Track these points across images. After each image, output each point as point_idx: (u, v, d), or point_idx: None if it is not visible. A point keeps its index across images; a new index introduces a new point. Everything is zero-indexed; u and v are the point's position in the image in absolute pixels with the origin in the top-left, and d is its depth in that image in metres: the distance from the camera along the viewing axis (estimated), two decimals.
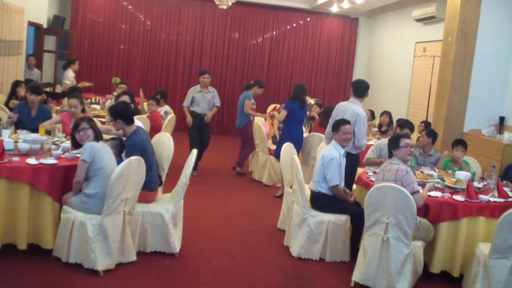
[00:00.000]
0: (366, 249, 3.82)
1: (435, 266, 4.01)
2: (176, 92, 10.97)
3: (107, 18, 10.66)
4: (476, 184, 4.51)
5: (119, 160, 3.90)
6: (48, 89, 9.23)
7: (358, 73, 11.54)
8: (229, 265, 4.13)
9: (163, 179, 4.55)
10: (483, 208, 4.01)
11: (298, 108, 6.25)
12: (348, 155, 4.67)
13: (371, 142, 6.49)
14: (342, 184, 4.47)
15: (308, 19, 11.44)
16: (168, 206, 4.13)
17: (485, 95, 6.54)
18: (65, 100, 6.97)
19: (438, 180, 4.57)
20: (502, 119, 6.49)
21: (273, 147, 6.90)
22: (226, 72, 11.25)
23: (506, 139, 5.90)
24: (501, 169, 5.50)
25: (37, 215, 3.76)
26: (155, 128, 6.24)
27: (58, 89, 9.44)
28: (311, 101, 8.28)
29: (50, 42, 9.91)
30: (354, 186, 4.93)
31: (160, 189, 4.49)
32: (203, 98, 7.13)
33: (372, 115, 8.63)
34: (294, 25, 11.45)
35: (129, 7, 10.75)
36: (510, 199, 4.21)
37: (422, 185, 4.25)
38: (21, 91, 6.22)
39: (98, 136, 3.88)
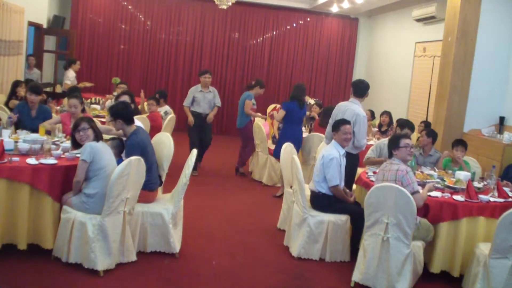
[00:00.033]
0: (366, 249, 3.82)
1: (435, 266, 4.01)
2: (176, 92, 10.97)
3: (107, 18, 10.66)
4: (476, 184, 4.51)
5: (119, 160, 3.90)
6: (48, 89, 9.23)
7: (358, 73, 11.54)
8: (229, 265, 4.13)
9: (163, 179, 4.55)
10: (483, 208, 4.01)
11: (296, 108, 6.25)
12: (348, 155, 4.67)
13: (371, 142, 6.49)
14: (342, 184, 4.47)
15: (308, 19, 11.44)
16: (168, 206, 4.13)
17: (485, 95, 6.54)
18: (65, 100, 6.97)
19: (438, 180, 4.57)
20: (502, 119, 6.49)
21: (273, 147, 6.90)
22: (226, 72, 11.25)
23: (506, 139, 5.90)
24: (501, 169, 5.50)
25: (37, 215, 3.76)
26: (155, 128, 6.24)
27: (58, 89, 9.44)
28: (311, 101, 8.28)
29: (50, 42, 9.91)
30: (354, 186, 4.93)
31: (160, 189, 4.49)
32: (204, 98, 7.14)
33: (372, 115, 8.63)
34: (294, 25, 11.45)
35: (129, 7, 10.75)
36: (510, 199, 4.21)
37: (422, 185, 4.25)
38: (21, 91, 6.22)
39: (98, 136, 3.88)
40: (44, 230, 3.78)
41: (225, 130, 11.30)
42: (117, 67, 10.79)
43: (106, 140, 4.26)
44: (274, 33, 11.38)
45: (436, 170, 5.05)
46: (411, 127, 5.76)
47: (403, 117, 8.48)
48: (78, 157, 3.78)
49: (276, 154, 6.38)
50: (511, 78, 6.56)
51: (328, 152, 4.40)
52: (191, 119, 7.06)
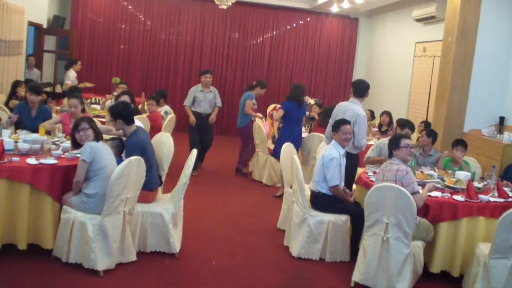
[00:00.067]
0: (366, 249, 3.82)
1: (435, 266, 4.01)
2: (176, 92, 10.97)
3: (107, 18, 10.66)
4: (476, 184, 4.51)
5: (119, 160, 3.90)
6: (48, 89, 9.23)
7: (358, 73, 11.54)
8: (229, 265, 4.13)
9: (163, 179, 4.55)
10: (483, 208, 4.01)
11: (295, 107, 6.25)
12: (348, 155, 4.67)
13: (371, 142, 6.50)
14: (342, 184, 4.47)
15: (308, 19, 11.44)
16: (168, 206, 4.13)
17: (485, 95, 6.54)
18: (65, 100, 6.97)
19: (438, 180, 4.57)
20: (502, 119, 6.49)
21: (273, 147, 6.90)
22: (226, 72, 11.25)
23: (506, 139, 5.90)
24: (501, 169, 5.50)
25: (37, 215, 3.76)
26: (155, 128, 6.24)
27: (58, 89, 9.44)
28: (311, 101, 8.28)
29: (50, 42, 9.91)
30: (354, 186, 4.93)
31: (160, 189, 4.49)
32: (205, 98, 7.13)
33: (372, 115, 8.63)
34: (294, 25, 11.45)
35: (129, 7, 10.75)
36: (510, 199, 4.21)
37: (422, 185, 4.25)
38: (21, 91, 6.22)
39: (98, 136, 3.88)
40: (44, 230, 3.78)
41: (225, 130, 11.30)
42: (117, 67, 10.79)
43: (106, 140, 4.26)
44: (274, 33, 11.38)
45: (436, 170, 5.05)
46: (412, 127, 5.76)
47: (403, 117, 8.48)
48: (78, 157, 3.78)
49: (275, 154, 6.39)
50: (511, 78, 6.56)
51: (328, 152, 4.40)
52: (193, 119, 7.04)
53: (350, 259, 4.31)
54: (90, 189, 3.70)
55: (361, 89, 4.98)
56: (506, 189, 4.45)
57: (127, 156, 3.81)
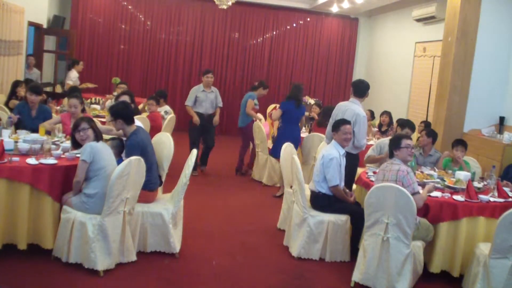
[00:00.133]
0: (366, 249, 3.82)
1: (435, 266, 4.01)
2: (176, 92, 10.97)
3: (107, 18, 10.66)
4: (476, 184, 4.51)
5: (119, 160, 3.90)
6: (48, 89, 9.23)
7: (358, 73, 11.54)
8: (229, 265, 4.13)
9: (163, 179, 4.55)
10: (483, 208, 4.01)
11: (294, 107, 6.26)
12: (348, 155, 4.67)
13: (371, 142, 6.50)
14: (342, 184, 4.47)
15: (308, 19, 11.44)
16: (168, 206, 4.13)
17: (485, 95, 6.54)
18: (65, 100, 6.97)
19: (438, 180, 4.57)
20: (502, 119, 6.49)
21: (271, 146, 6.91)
22: (226, 72, 11.25)
23: (506, 139, 5.90)
24: (501, 169, 5.50)
25: (37, 215, 3.76)
26: (155, 128, 6.24)
27: (58, 89, 9.44)
28: (311, 101, 8.29)
29: (50, 42, 9.91)
30: (354, 186, 4.93)
31: (160, 189, 4.49)
32: (206, 98, 7.11)
33: (372, 115, 8.63)
34: (294, 25, 11.45)
35: (129, 7, 10.75)
36: (510, 199, 4.21)
37: (422, 185, 4.25)
38: (21, 91, 6.22)
39: (98, 136, 3.88)
40: (44, 230, 3.78)
41: (225, 130, 11.29)
42: (117, 67, 10.79)
43: (106, 140, 4.26)
44: (274, 33, 11.38)
45: (436, 170, 5.05)
46: (412, 127, 5.76)
47: (403, 117, 8.49)
48: (78, 157, 3.78)
49: (274, 153, 6.38)
50: (511, 78, 6.56)
51: (328, 152, 4.40)
52: (196, 118, 6.99)
53: (350, 259, 4.31)
54: (90, 189, 3.70)
55: (361, 89, 4.97)
56: (506, 189, 4.45)
57: (127, 156, 3.81)
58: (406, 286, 3.63)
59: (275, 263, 4.25)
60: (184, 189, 4.11)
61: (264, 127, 7.13)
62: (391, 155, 4.14)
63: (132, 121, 4.11)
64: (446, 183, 4.43)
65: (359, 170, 5.05)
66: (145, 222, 4.04)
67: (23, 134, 4.50)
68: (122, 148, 4.23)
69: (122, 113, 4.06)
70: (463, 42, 6.40)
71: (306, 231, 4.27)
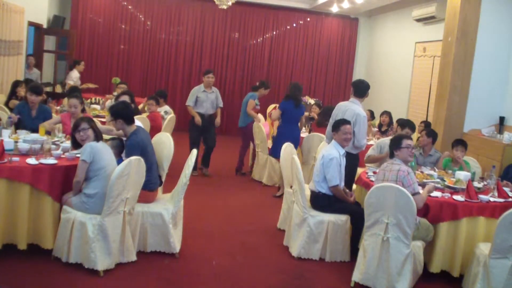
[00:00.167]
0: (366, 249, 3.82)
1: (435, 266, 4.01)
2: (176, 92, 10.97)
3: (107, 18, 10.66)
4: (476, 184, 4.51)
5: (119, 160, 3.90)
6: (48, 89, 9.23)
7: (358, 73, 11.54)
8: (229, 265, 4.13)
9: (163, 179, 4.55)
10: (483, 208, 4.01)
11: (292, 107, 6.25)
12: (348, 155, 4.67)
13: (371, 142, 6.50)
14: (342, 184, 4.47)
15: (308, 19, 11.44)
16: (168, 206, 4.13)
17: (485, 95, 6.54)
18: (65, 100, 6.97)
19: (438, 180, 4.57)
20: (502, 119, 6.49)
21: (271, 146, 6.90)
22: (226, 72, 11.25)
23: (506, 139, 5.90)
24: (501, 169, 5.50)
25: (37, 215, 3.76)
26: (155, 128, 6.24)
27: (58, 89, 9.44)
28: (311, 101, 8.28)
29: (50, 42, 9.91)
30: (354, 186, 4.93)
31: (160, 189, 4.49)
32: (207, 98, 7.09)
33: (372, 115, 8.63)
34: (294, 25, 11.45)
35: (129, 7, 10.76)
36: (510, 199, 4.21)
37: (422, 185, 4.25)
38: (21, 91, 6.22)
39: (98, 136, 3.88)
40: (44, 230, 3.78)
41: (225, 130, 11.29)
42: (117, 67, 10.79)
43: (106, 140, 4.26)
44: (274, 33, 11.38)
45: (436, 170, 5.05)
46: (412, 127, 5.76)
47: (403, 117, 8.48)
48: (78, 157, 3.78)
49: (273, 153, 6.37)
50: (511, 78, 6.56)
51: (328, 152, 4.40)
52: (198, 119, 6.95)
53: (350, 259, 4.31)
54: (90, 189, 3.70)
55: (361, 89, 4.97)
56: (506, 189, 4.45)
57: (127, 156, 3.81)
58: (406, 286, 3.63)
59: (275, 263, 4.25)
60: (184, 189, 4.11)
61: (264, 127, 7.13)
62: (391, 155, 4.14)
63: (132, 121, 4.11)
64: (446, 183, 4.44)
65: (359, 170, 5.05)
66: (145, 222, 4.04)
67: (23, 134, 4.50)
68: (122, 148, 4.23)
69: (122, 113, 4.06)
70: (463, 42, 6.40)
71: (306, 231, 4.27)
